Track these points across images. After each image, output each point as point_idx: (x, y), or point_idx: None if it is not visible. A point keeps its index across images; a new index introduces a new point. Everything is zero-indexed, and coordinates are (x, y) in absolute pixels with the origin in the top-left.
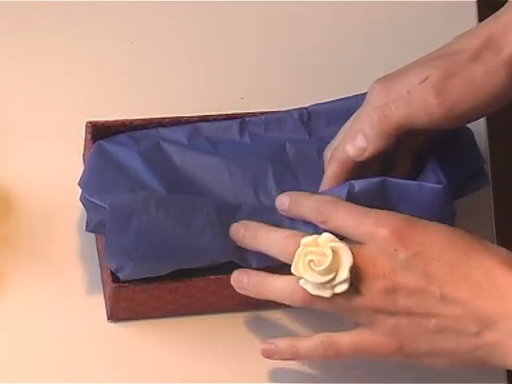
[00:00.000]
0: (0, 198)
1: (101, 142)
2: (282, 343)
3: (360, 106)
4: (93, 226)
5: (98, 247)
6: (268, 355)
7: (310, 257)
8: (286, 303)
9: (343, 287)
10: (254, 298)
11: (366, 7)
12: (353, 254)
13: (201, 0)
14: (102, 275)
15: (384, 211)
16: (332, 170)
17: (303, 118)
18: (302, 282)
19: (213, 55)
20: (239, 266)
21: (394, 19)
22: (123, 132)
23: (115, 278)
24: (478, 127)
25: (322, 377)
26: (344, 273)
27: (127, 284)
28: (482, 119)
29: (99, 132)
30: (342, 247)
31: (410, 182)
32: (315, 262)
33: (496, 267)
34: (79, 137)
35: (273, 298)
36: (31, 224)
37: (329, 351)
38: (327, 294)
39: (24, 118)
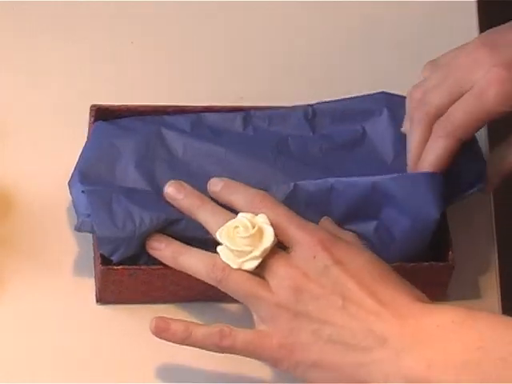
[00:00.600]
0: (0, 198)
1: (101, 122)
2: (177, 323)
3: (365, 107)
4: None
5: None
6: (157, 331)
7: (237, 223)
8: (200, 275)
9: (252, 264)
10: None
11: (366, 7)
12: (273, 252)
13: (201, 0)
14: (94, 267)
15: (314, 224)
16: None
17: (308, 115)
18: (219, 248)
19: (213, 55)
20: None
21: (393, 19)
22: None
23: (104, 261)
24: None
25: None
26: (259, 251)
27: (115, 266)
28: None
29: (103, 117)
30: (270, 230)
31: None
32: (239, 231)
33: (403, 296)
34: (79, 136)
35: (188, 268)
36: (31, 224)
37: (224, 341)
38: (236, 265)
39: (24, 117)
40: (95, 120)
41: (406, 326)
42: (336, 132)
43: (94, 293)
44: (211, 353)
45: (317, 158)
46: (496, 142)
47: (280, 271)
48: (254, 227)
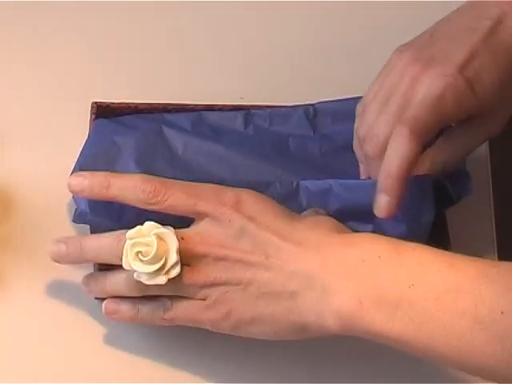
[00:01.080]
0: (0, 198)
1: (102, 119)
2: (124, 303)
3: None
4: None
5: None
6: (110, 313)
7: (136, 248)
8: (124, 294)
9: (175, 271)
10: None
11: (365, 7)
12: (181, 236)
13: (201, 0)
14: (94, 265)
15: (212, 186)
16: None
17: (309, 115)
18: (135, 275)
19: (212, 55)
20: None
21: (393, 19)
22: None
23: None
24: None
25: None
26: (173, 257)
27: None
28: None
29: (103, 114)
30: (166, 232)
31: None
32: (142, 253)
33: (319, 231)
34: (80, 136)
35: (110, 290)
36: (31, 224)
37: (168, 314)
38: (161, 280)
39: (23, 117)
40: (96, 117)
41: (327, 259)
42: (337, 132)
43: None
44: (211, 353)
45: (317, 158)
46: (496, 142)
47: (197, 252)
48: (151, 243)
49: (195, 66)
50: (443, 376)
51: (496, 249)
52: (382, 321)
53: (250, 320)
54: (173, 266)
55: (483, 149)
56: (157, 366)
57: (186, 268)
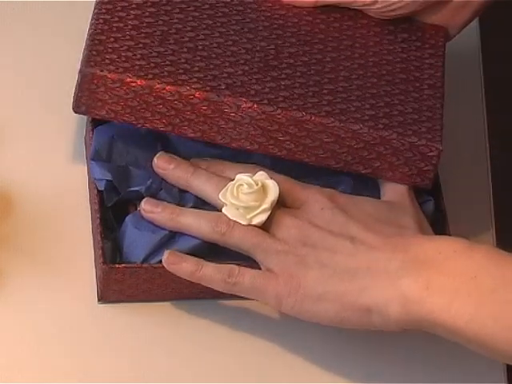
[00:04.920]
0: (0, 198)
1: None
2: (189, 257)
3: None
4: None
5: (92, 228)
6: (169, 263)
7: (240, 182)
8: (202, 233)
9: (262, 217)
10: None
11: None
12: (279, 209)
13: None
14: (95, 266)
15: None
16: None
17: None
18: (224, 208)
19: None
20: (234, 254)
21: None
22: None
23: (106, 260)
24: (478, 125)
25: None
26: (267, 204)
27: (117, 265)
28: (481, 120)
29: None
30: (272, 183)
31: None
32: (244, 188)
33: (406, 230)
34: (79, 136)
35: (189, 227)
36: (31, 224)
37: (232, 277)
38: (245, 221)
39: (23, 117)
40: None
41: (408, 252)
42: None
43: (96, 291)
44: (212, 353)
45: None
46: (496, 142)
47: (286, 221)
48: (257, 183)
49: None
50: (442, 377)
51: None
52: (441, 307)
53: (318, 297)
54: (261, 212)
55: (483, 150)
56: (157, 365)
57: (271, 232)
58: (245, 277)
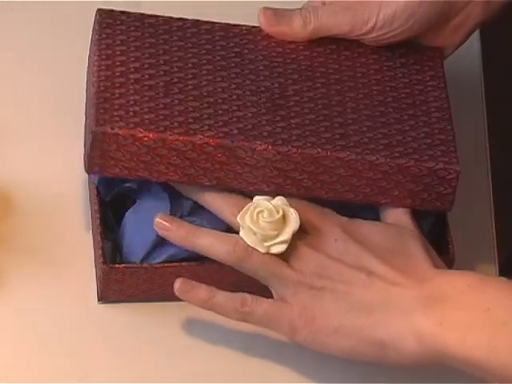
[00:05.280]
0: (0, 198)
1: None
2: (201, 285)
3: None
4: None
5: (92, 228)
6: (181, 292)
7: (260, 208)
8: (219, 256)
9: (281, 248)
10: (246, 284)
11: None
12: (294, 235)
13: (201, 0)
14: (95, 266)
15: (326, 209)
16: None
17: None
18: (242, 232)
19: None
20: None
21: None
22: None
23: (106, 260)
24: (478, 125)
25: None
26: (287, 234)
27: (117, 265)
28: (481, 120)
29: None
30: (293, 212)
31: None
32: (264, 214)
33: (421, 264)
34: (79, 136)
35: (205, 248)
36: (31, 223)
37: (245, 306)
38: (264, 249)
39: (23, 117)
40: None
41: (423, 288)
42: None
43: (96, 291)
44: (212, 353)
45: None
46: (496, 142)
47: (303, 251)
48: (278, 211)
49: None
50: (443, 377)
51: (496, 248)
52: (456, 342)
53: (333, 331)
54: (280, 243)
55: (483, 151)
56: (157, 365)
57: (287, 261)
58: (258, 306)
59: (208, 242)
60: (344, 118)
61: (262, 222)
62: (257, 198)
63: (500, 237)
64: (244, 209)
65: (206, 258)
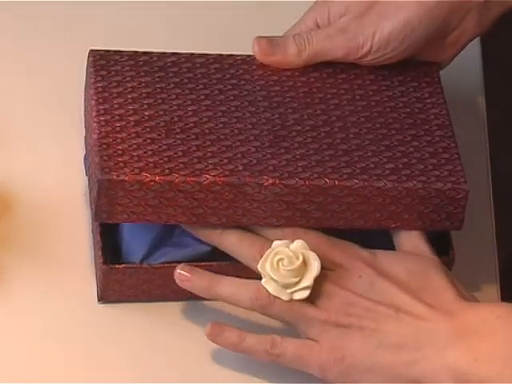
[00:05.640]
0: (0, 198)
1: None
2: (231, 328)
3: None
4: None
5: (92, 228)
6: (211, 336)
7: (279, 256)
8: (241, 304)
9: (304, 294)
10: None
11: None
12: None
13: (201, 0)
14: (95, 266)
15: (349, 242)
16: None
17: None
18: (263, 281)
19: (214, 48)
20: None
21: None
22: None
23: (106, 260)
24: (478, 125)
25: None
26: (309, 280)
27: (117, 265)
28: (481, 120)
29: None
30: (313, 255)
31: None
32: (284, 262)
33: (448, 295)
34: (79, 136)
35: (227, 297)
36: (31, 223)
37: (275, 348)
38: (286, 297)
39: (23, 117)
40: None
41: (453, 322)
42: None
43: (96, 291)
44: (211, 353)
45: None
46: (496, 145)
47: (327, 290)
48: (298, 258)
49: None
50: None
51: (496, 248)
52: (492, 376)
53: (364, 369)
54: (303, 289)
55: (483, 150)
56: (157, 366)
57: (311, 301)
58: (288, 347)
59: (230, 290)
60: (348, 145)
61: (283, 270)
62: (276, 244)
63: (500, 237)
64: (264, 257)
65: (205, 258)
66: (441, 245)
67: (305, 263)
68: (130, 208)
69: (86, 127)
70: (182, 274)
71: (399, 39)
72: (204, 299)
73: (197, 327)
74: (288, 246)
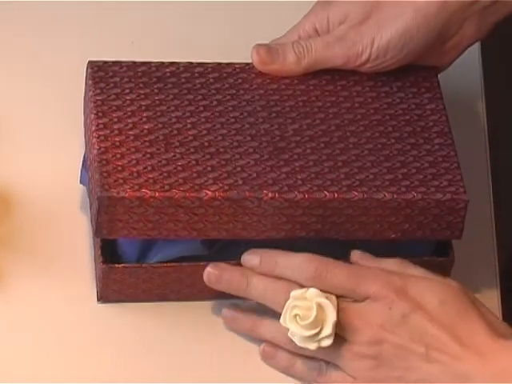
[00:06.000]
0: (0, 198)
1: None
2: (283, 353)
3: None
4: None
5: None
6: (266, 357)
7: (295, 311)
8: (280, 344)
9: (328, 342)
10: None
11: None
12: (342, 306)
13: (201, 0)
14: (95, 265)
15: (375, 269)
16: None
17: None
18: (290, 333)
19: (212, 55)
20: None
21: None
22: None
23: (106, 260)
24: (478, 125)
25: None
26: (328, 328)
27: (117, 265)
28: (481, 120)
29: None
30: (327, 303)
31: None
32: (301, 316)
33: (483, 333)
34: (79, 137)
35: (269, 338)
36: (31, 223)
37: (320, 378)
38: (313, 346)
39: (23, 117)
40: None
41: (487, 364)
42: None
43: (95, 291)
44: (210, 353)
45: None
46: (496, 144)
47: (355, 324)
48: (311, 309)
49: None
50: None
51: (496, 248)
52: None
53: None
54: (326, 337)
55: (483, 150)
56: (156, 365)
57: (340, 338)
58: (331, 378)
59: (269, 333)
60: (347, 155)
61: (301, 324)
62: (293, 295)
63: (500, 237)
64: (283, 312)
65: (203, 257)
66: (441, 245)
67: (321, 312)
68: (131, 224)
69: (85, 137)
70: (227, 317)
71: (398, 47)
72: (203, 300)
73: (196, 327)
74: (304, 295)
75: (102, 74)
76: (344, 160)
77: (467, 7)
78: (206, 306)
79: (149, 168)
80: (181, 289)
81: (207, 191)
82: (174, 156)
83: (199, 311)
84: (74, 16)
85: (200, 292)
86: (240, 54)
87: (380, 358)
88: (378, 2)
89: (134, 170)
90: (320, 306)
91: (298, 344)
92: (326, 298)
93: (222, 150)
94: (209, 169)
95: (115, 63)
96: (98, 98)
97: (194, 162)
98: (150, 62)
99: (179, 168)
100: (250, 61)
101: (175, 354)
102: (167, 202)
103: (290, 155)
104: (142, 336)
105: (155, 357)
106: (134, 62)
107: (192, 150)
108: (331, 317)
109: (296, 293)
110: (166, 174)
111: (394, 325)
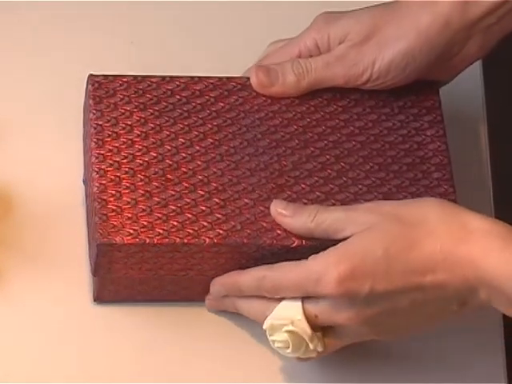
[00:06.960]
0: (0, 198)
1: None
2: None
3: None
4: None
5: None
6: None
7: (276, 344)
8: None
9: (320, 347)
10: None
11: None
12: (315, 314)
13: (201, 0)
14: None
15: (320, 256)
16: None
17: None
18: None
19: (213, 55)
20: None
21: None
22: None
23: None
24: (478, 125)
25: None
26: (312, 343)
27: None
28: (482, 123)
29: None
30: (297, 330)
31: None
32: (282, 347)
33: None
34: (79, 136)
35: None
36: (30, 224)
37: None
38: (314, 354)
39: (23, 117)
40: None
41: (485, 244)
42: None
43: (92, 292)
44: (210, 353)
45: None
46: (496, 143)
47: (332, 318)
48: (286, 340)
49: (195, 65)
50: (442, 377)
51: None
52: None
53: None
54: (316, 346)
55: (483, 149)
56: (153, 366)
57: (329, 334)
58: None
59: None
60: (345, 194)
61: (288, 351)
62: (266, 329)
63: None
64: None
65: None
66: None
67: (296, 336)
68: (129, 266)
69: (83, 143)
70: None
71: (400, 67)
72: (200, 300)
73: (193, 328)
74: (273, 328)
75: (101, 93)
76: (341, 200)
77: (471, 26)
78: (202, 306)
79: (147, 210)
80: (177, 290)
81: (205, 238)
82: (172, 195)
83: (195, 312)
84: (74, 16)
85: (197, 293)
86: (240, 53)
87: (374, 318)
88: (380, 22)
89: (133, 213)
90: (291, 333)
91: (302, 357)
92: (292, 323)
93: (220, 188)
94: (207, 211)
95: (115, 78)
96: (97, 122)
97: (192, 204)
98: (150, 77)
99: (178, 210)
100: (249, 61)
101: (171, 355)
102: (165, 248)
103: (289, 194)
104: (139, 337)
105: (151, 357)
106: (135, 77)
107: (191, 187)
108: (306, 336)
109: (266, 325)
110: (164, 218)
111: (365, 305)
